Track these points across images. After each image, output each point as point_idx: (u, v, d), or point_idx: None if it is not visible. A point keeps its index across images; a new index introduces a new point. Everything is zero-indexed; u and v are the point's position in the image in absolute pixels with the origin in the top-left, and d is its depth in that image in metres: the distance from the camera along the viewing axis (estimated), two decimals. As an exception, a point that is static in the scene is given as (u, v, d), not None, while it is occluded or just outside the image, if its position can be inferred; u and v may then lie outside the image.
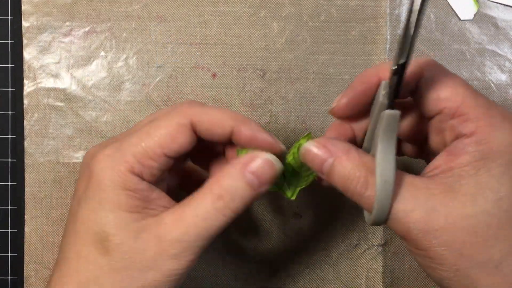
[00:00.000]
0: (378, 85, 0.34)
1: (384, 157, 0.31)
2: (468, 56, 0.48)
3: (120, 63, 0.48)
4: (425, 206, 0.30)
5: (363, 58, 0.48)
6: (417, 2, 0.28)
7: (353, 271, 0.49)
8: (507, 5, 0.48)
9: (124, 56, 0.48)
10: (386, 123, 0.31)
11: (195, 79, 0.48)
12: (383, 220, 0.32)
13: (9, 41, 0.48)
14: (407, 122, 0.36)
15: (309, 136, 0.35)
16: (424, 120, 0.35)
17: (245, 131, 0.35)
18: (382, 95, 0.33)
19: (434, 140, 0.34)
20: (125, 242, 0.33)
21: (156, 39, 0.48)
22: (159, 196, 0.35)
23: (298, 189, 0.37)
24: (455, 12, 0.48)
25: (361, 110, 0.36)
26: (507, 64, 0.48)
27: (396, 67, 0.31)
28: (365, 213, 0.36)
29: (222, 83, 0.48)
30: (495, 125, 0.30)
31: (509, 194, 0.30)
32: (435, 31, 0.48)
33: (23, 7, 0.48)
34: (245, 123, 0.35)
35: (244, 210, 0.33)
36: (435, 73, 0.33)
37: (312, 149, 0.33)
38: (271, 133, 0.35)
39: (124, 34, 0.48)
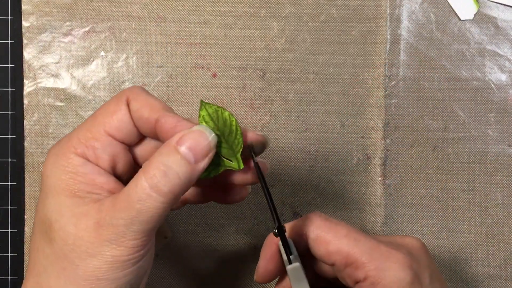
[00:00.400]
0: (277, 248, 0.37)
1: None
2: (468, 56, 0.48)
3: (120, 63, 0.48)
4: None
5: (363, 58, 0.48)
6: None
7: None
8: (507, 5, 0.48)
9: (124, 56, 0.48)
10: (292, 276, 0.35)
11: (195, 79, 0.48)
12: None
13: (9, 41, 0.48)
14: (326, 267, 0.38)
15: (206, 104, 0.34)
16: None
17: (168, 119, 0.33)
18: (283, 254, 0.36)
19: (344, 282, 0.37)
20: (65, 228, 0.31)
21: (156, 39, 0.48)
22: (107, 181, 0.33)
23: (238, 155, 0.34)
24: (455, 12, 0.48)
25: (280, 269, 0.38)
26: (507, 64, 0.48)
27: (275, 230, 0.35)
28: None
29: (222, 83, 0.48)
30: (381, 266, 0.34)
31: None
32: (435, 31, 0.48)
33: (23, 7, 0.48)
34: (171, 112, 0.34)
35: (184, 189, 0.31)
36: (319, 230, 0.36)
37: None
38: (192, 122, 0.34)
39: (124, 34, 0.48)
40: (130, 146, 0.35)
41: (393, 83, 0.48)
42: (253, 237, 0.49)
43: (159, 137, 0.34)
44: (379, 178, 0.48)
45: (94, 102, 0.48)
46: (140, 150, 0.36)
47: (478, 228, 0.49)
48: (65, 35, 0.48)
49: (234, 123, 0.34)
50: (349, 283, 0.36)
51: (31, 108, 0.48)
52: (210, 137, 0.32)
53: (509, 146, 0.48)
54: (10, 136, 0.48)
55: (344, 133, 0.48)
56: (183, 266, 0.49)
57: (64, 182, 0.32)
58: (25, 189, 0.48)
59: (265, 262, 0.37)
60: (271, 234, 0.38)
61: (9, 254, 0.48)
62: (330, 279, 0.38)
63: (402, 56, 0.48)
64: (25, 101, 0.48)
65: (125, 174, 0.35)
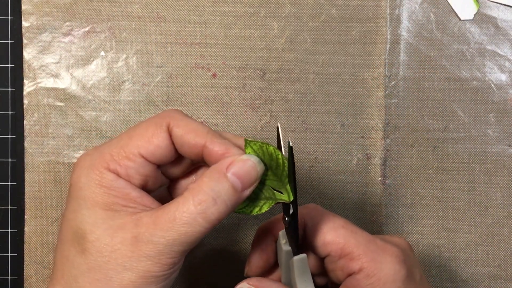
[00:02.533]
0: (274, 239, 0.38)
1: None
2: (468, 56, 0.48)
3: (120, 63, 0.48)
4: None
5: (363, 58, 0.48)
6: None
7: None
8: (507, 5, 0.48)
9: (124, 56, 0.48)
10: (298, 268, 0.35)
11: (195, 79, 0.48)
12: None
13: (9, 41, 0.48)
14: (312, 262, 0.39)
15: (250, 142, 0.34)
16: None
17: (217, 147, 0.34)
18: (283, 244, 0.36)
19: (331, 276, 0.37)
20: (101, 240, 0.32)
21: (156, 39, 0.48)
22: (141, 195, 0.33)
23: (288, 186, 0.35)
24: (455, 12, 0.48)
25: (271, 262, 0.38)
26: (507, 64, 0.48)
27: (288, 218, 0.35)
28: None
29: (222, 83, 0.48)
30: (377, 259, 0.35)
31: None
32: (435, 31, 0.48)
33: (23, 7, 0.48)
34: (218, 139, 0.34)
35: (227, 215, 0.32)
36: (316, 220, 0.36)
37: None
38: (239, 145, 0.35)
39: (124, 34, 0.48)
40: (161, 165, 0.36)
41: (393, 83, 0.48)
42: (253, 237, 0.49)
43: (207, 163, 0.35)
44: (379, 178, 0.48)
45: (94, 102, 0.48)
46: (172, 168, 0.36)
47: (478, 228, 0.49)
48: (65, 35, 0.48)
49: (280, 156, 0.34)
50: (340, 276, 0.36)
51: (31, 108, 0.48)
52: (258, 167, 0.33)
53: (509, 146, 0.48)
54: (10, 136, 0.48)
55: (344, 133, 0.48)
56: (184, 266, 0.49)
57: (99, 196, 0.33)
58: (25, 189, 0.48)
59: (259, 254, 0.38)
60: (262, 226, 0.38)
61: (9, 254, 0.48)
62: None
63: (402, 56, 0.48)
64: (25, 101, 0.48)
65: (154, 190, 0.36)
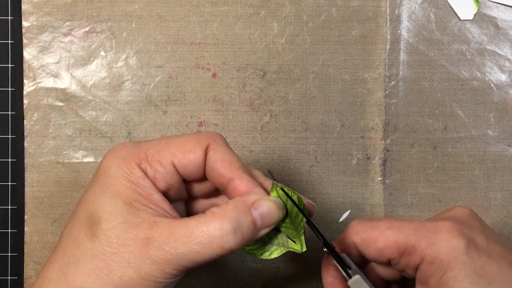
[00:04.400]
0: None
1: None
2: (468, 56, 0.48)
3: (120, 63, 0.48)
4: None
5: (363, 58, 0.48)
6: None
7: (353, 271, 0.49)
8: (507, 5, 0.48)
9: (124, 56, 0.48)
10: None
11: (195, 79, 0.48)
12: None
13: (9, 41, 0.48)
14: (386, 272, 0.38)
15: (276, 186, 0.35)
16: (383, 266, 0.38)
17: (243, 184, 0.34)
18: (341, 271, 0.36)
19: (407, 275, 0.36)
20: (114, 231, 0.32)
21: (156, 39, 0.48)
22: (161, 200, 0.34)
23: (302, 237, 0.36)
24: (455, 12, 0.48)
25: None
26: (507, 64, 0.48)
27: (325, 249, 0.36)
28: None
29: (222, 83, 0.48)
30: (431, 242, 0.34)
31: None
32: (435, 31, 0.48)
33: (23, 7, 0.48)
34: (248, 176, 0.34)
35: (238, 249, 0.32)
36: (362, 233, 0.36)
37: None
38: (264, 189, 0.35)
39: (124, 34, 0.48)
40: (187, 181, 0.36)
41: (393, 83, 0.48)
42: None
43: (227, 194, 0.35)
44: (379, 178, 0.48)
45: (94, 102, 0.48)
46: (196, 186, 0.37)
47: (478, 228, 0.49)
48: (65, 35, 0.48)
49: (302, 206, 0.35)
50: (412, 273, 0.35)
51: (31, 108, 0.48)
52: (281, 212, 0.34)
53: (509, 146, 0.48)
54: (10, 136, 0.48)
55: (344, 133, 0.48)
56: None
57: (124, 189, 0.33)
58: (25, 189, 0.48)
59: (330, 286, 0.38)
60: (325, 257, 0.38)
61: (9, 254, 0.48)
62: (397, 281, 0.38)
63: (402, 56, 0.48)
64: (25, 101, 0.48)
65: (173, 201, 0.36)
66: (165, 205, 0.34)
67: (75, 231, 0.33)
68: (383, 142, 0.48)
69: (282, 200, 0.34)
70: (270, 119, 0.48)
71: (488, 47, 0.48)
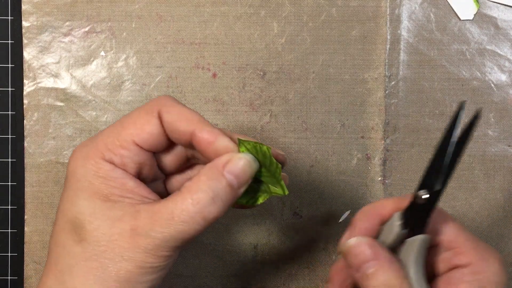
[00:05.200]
0: (380, 222, 0.36)
1: (420, 283, 0.33)
2: (468, 56, 0.48)
3: (120, 63, 0.48)
4: None
5: (363, 58, 0.48)
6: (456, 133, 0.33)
7: (353, 271, 0.49)
8: (507, 5, 0.48)
9: (124, 56, 0.48)
10: (420, 248, 0.34)
11: (195, 79, 0.48)
12: None
13: (9, 41, 0.48)
14: None
15: (243, 142, 0.35)
16: None
17: (205, 134, 0.34)
18: (397, 226, 0.35)
19: (428, 267, 0.36)
20: (99, 230, 0.32)
21: (156, 39, 0.48)
22: (137, 185, 0.34)
23: (282, 182, 0.35)
24: (455, 12, 0.48)
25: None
26: (507, 64, 0.48)
27: (426, 195, 0.34)
28: None
29: (222, 83, 0.48)
30: (485, 257, 0.34)
31: None
32: (435, 31, 0.48)
33: (23, 7, 0.48)
34: (207, 127, 0.34)
35: (224, 213, 0.33)
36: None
37: (363, 245, 0.34)
38: (231, 138, 0.35)
39: (124, 34, 0.48)
40: (155, 152, 0.36)
41: (393, 83, 0.48)
42: (253, 237, 0.49)
43: (196, 150, 0.35)
44: (379, 178, 0.48)
45: (94, 102, 0.48)
46: (165, 156, 0.36)
47: (478, 228, 0.49)
48: (65, 35, 0.48)
49: (270, 154, 0.35)
50: (440, 268, 0.35)
51: (31, 108, 0.48)
52: (253, 165, 0.34)
53: (509, 146, 0.48)
54: (10, 136, 0.48)
55: (344, 133, 0.48)
56: (183, 266, 0.49)
57: (96, 186, 0.33)
58: (25, 189, 0.48)
59: (359, 234, 0.36)
60: (368, 208, 0.37)
61: (9, 254, 0.48)
62: None
63: (402, 56, 0.48)
64: (25, 101, 0.48)
65: (148, 178, 0.36)
66: (142, 189, 0.34)
67: (61, 239, 0.33)
68: (383, 142, 0.48)
69: (251, 153, 0.34)
70: (270, 119, 0.48)
71: (488, 47, 0.48)
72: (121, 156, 0.34)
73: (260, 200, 0.36)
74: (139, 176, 0.35)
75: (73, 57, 0.48)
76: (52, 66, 0.48)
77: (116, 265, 0.32)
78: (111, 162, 0.33)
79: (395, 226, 0.35)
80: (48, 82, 0.48)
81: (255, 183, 0.36)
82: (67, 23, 0.48)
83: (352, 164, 0.48)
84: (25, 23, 0.48)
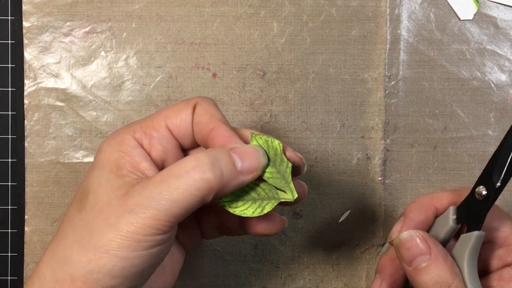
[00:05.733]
0: (434, 215, 0.36)
1: (474, 279, 0.33)
2: (468, 56, 0.48)
3: (121, 63, 0.48)
4: None
5: (363, 58, 0.48)
6: None
7: (353, 271, 0.49)
8: (507, 5, 0.48)
9: (125, 56, 0.48)
10: (474, 244, 0.33)
11: (195, 79, 0.48)
12: None
13: (9, 41, 0.48)
14: None
15: (256, 135, 0.34)
16: None
17: (223, 133, 0.33)
18: (452, 220, 0.35)
19: (480, 263, 0.36)
20: (97, 197, 0.31)
21: (156, 39, 0.48)
22: (150, 168, 0.33)
23: (291, 184, 0.35)
24: (455, 12, 0.48)
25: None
26: (507, 64, 0.48)
27: (487, 192, 0.34)
28: None
29: (222, 83, 0.48)
30: None
31: None
32: (435, 31, 0.48)
33: (24, 7, 0.48)
34: (228, 126, 0.34)
35: (220, 190, 0.31)
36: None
37: (416, 239, 0.34)
38: (243, 140, 0.34)
39: (125, 34, 0.48)
40: (182, 149, 0.36)
41: (393, 83, 0.48)
42: (253, 237, 0.49)
43: (209, 147, 0.34)
44: (379, 178, 0.48)
45: (94, 102, 0.48)
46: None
47: (479, 228, 0.48)
48: (66, 35, 0.48)
49: (281, 151, 0.34)
50: (493, 265, 0.35)
51: (32, 108, 0.48)
52: (261, 157, 0.33)
53: (509, 146, 0.48)
54: (10, 136, 0.49)
55: (344, 133, 0.48)
56: (184, 266, 0.49)
57: (112, 157, 0.33)
58: (25, 189, 0.48)
59: (414, 225, 0.36)
60: (424, 198, 0.36)
61: (9, 254, 0.48)
62: None
63: (402, 56, 0.48)
64: (26, 101, 0.48)
65: None
66: (153, 173, 0.33)
67: (70, 210, 0.33)
68: (383, 142, 0.48)
69: (263, 148, 0.34)
70: (270, 119, 0.48)
71: (488, 47, 0.48)
72: (150, 136, 0.34)
73: (267, 209, 0.34)
74: (162, 163, 0.34)
75: (73, 57, 0.48)
76: (52, 66, 0.48)
77: (100, 233, 0.30)
78: (139, 141, 0.34)
79: (450, 220, 0.35)
80: (48, 82, 0.48)
81: (261, 188, 0.34)
82: (68, 24, 0.48)
83: (352, 164, 0.48)
84: (25, 24, 0.48)
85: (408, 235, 0.34)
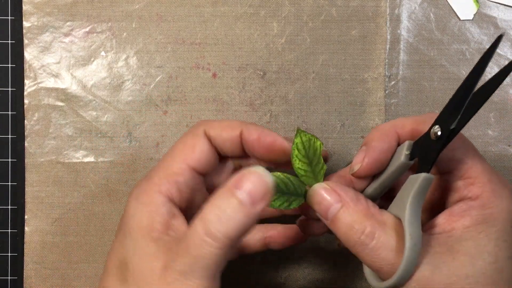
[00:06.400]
0: (397, 143, 0.35)
1: (413, 220, 0.31)
2: (468, 56, 0.48)
3: (121, 63, 0.48)
4: (429, 264, 0.31)
5: (363, 58, 0.48)
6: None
7: (353, 271, 0.49)
8: (507, 5, 0.48)
9: (125, 56, 0.48)
10: (420, 187, 0.31)
11: (195, 79, 0.48)
12: (403, 282, 0.31)
13: (10, 41, 0.48)
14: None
15: (299, 134, 0.35)
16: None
17: (252, 131, 0.34)
18: (404, 155, 0.33)
19: (435, 198, 0.35)
20: (137, 269, 0.31)
21: (156, 39, 0.48)
22: (180, 223, 0.33)
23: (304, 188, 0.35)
24: (455, 12, 0.48)
25: (382, 168, 0.36)
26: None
27: (441, 132, 0.31)
28: (367, 271, 0.34)
29: (222, 83, 0.48)
30: (497, 191, 0.32)
31: (504, 257, 0.31)
32: (435, 31, 0.48)
33: (24, 7, 0.48)
34: (252, 125, 0.35)
35: (241, 233, 0.30)
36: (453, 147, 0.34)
37: (321, 192, 0.33)
38: (277, 134, 0.35)
39: (125, 34, 0.48)
40: (206, 176, 0.36)
41: (393, 83, 0.48)
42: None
43: (247, 152, 0.35)
44: (379, 178, 0.48)
45: (94, 102, 0.48)
46: (217, 177, 0.37)
47: (479, 228, 0.48)
48: (66, 35, 0.48)
49: (320, 152, 0.35)
50: (450, 199, 0.33)
51: (32, 108, 0.48)
52: (268, 180, 0.31)
53: (509, 146, 0.48)
54: (10, 136, 0.49)
55: (344, 133, 0.48)
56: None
57: (142, 222, 0.32)
58: (25, 189, 0.48)
59: (376, 154, 0.35)
60: (386, 125, 0.35)
61: (9, 254, 0.48)
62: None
63: (402, 56, 0.48)
64: (26, 101, 0.48)
65: (199, 205, 0.35)
66: (185, 227, 0.33)
67: (108, 280, 0.33)
68: (383, 142, 0.48)
69: (304, 146, 0.34)
70: (270, 119, 0.48)
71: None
72: (176, 183, 0.33)
73: (294, 205, 0.34)
74: (191, 204, 0.34)
75: (73, 57, 0.48)
76: (52, 66, 0.48)
77: None
78: (167, 194, 0.33)
79: (403, 155, 0.33)
80: (48, 82, 0.48)
81: (291, 183, 0.35)
82: (68, 24, 0.48)
83: (352, 164, 0.48)
84: (25, 23, 0.48)
85: (312, 191, 0.33)
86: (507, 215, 0.32)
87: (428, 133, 0.33)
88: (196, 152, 0.34)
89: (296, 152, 0.35)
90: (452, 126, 0.31)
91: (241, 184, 0.30)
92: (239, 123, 0.35)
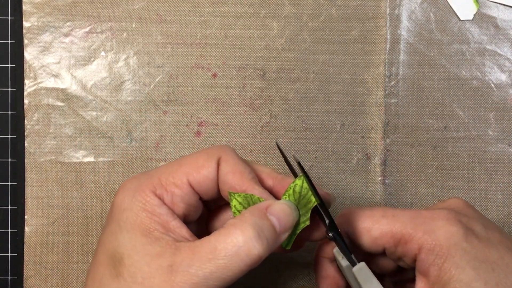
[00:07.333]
0: (331, 261, 0.37)
1: None
2: (468, 56, 0.48)
3: (121, 63, 0.48)
4: None
5: (363, 58, 0.48)
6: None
7: (353, 271, 0.49)
8: (507, 5, 0.48)
9: (125, 56, 0.48)
10: (361, 277, 0.33)
11: (195, 79, 0.48)
12: None
13: (10, 41, 0.48)
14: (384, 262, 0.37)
15: (301, 178, 0.35)
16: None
17: (256, 193, 0.34)
18: (342, 261, 0.35)
19: (404, 265, 0.35)
20: (137, 266, 0.31)
21: (156, 39, 0.48)
22: (180, 226, 0.33)
23: (294, 237, 0.35)
24: (455, 12, 0.48)
25: (342, 285, 0.37)
26: (507, 64, 0.48)
27: (330, 234, 0.34)
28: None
29: (222, 83, 0.48)
30: (429, 229, 0.32)
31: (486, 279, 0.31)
32: (435, 31, 0.48)
33: (24, 7, 0.48)
34: (260, 187, 0.34)
35: (265, 256, 0.31)
36: (355, 223, 0.35)
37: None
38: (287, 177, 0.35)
39: (125, 34, 0.48)
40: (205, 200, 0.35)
41: (393, 83, 0.48)
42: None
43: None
44: (379, 178, 0.48)
45: (94, 102, 0.48)
46: (215, 201, 0.36)
47: (479, 228, 0.48)
48: (66, 35, 0.48)
49: (311, 193, 0.35)
50: (409, 263, 0.34)
51: (32, 108, 0.48)
52: (294, 213, 0.33)
53: (509, 146, 0.48)
54: (10, 136, 0.49)
55: (344, 133, 0.48)
56: None
57: (141, 220, 0.32)
58: (25, 189, 0.48)
59: (326, 283, 0.36)
60: (316, 254, 0.37)
61: (9, 254, 0.48)
62: (391, 273, 0.37)
63: (402, 56, 0.48)
64: (26, 101, 0.48)
65: (193, 220, 0.35)
66: (184, 231, 0.33)
67: (99, 273, 0.32)
68: (383, 142, 0.48)
69: (295, 198, 0.34)
70: (270, 119, 0.48)
71: (488, 47, 0.48)
72: (172, 194, 0.33)
73: (290, 246, 0.35)
74: (185, 218, 0.34)
75: (73, 57, 0.48)
76: (52, 66, 0.48)
77: None
78: (161, 198, 0.33)
79: (340, 262, 0.35)
80: (48, 82, 0.48)
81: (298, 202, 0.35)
82: (68, 24, 0.48)
83: (352, 164, 0.48)
84: (25, 24, 0.48)
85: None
86: (452, 239, 0.32)
87: (331, 240, 0.35)
88: (201, 175, 0.34)
89: (290, 192, 0.35)
90: (330, 234, 0.34)
91: (273, 210, 0.32)
92: (250, 179, 0.34)
